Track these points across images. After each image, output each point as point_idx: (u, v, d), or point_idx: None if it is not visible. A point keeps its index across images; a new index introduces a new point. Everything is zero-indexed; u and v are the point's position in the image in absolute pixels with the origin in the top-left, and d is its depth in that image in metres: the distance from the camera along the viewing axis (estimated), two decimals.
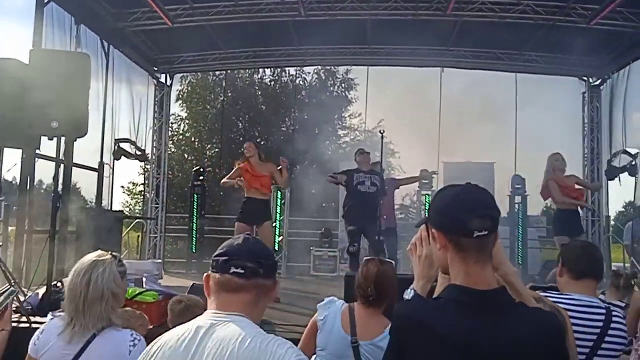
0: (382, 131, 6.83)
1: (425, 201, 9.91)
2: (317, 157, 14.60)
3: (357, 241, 6.66)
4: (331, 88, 16.85)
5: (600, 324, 2.27)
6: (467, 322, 1.34)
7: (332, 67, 15.56)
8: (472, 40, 9.45)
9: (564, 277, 2.44)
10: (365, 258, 2.80)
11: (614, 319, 2.32)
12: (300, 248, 10.57)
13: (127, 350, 2.05)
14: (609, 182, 9.69)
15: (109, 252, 2.23)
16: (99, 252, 2.22)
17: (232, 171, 6.79)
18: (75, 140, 5.24)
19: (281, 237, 10.11)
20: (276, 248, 9.94)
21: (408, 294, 1.65)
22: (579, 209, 6.83)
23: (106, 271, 2.13)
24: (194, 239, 10.10)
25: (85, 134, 4.86)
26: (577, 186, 6.79)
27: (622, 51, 8.95)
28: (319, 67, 15.20)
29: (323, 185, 12.96)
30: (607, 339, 2.26)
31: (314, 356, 2.67)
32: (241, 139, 15.72)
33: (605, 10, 7.57)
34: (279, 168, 6.67)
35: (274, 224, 9.84)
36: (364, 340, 2.51)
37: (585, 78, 10.40)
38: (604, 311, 2.34)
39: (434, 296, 1.55)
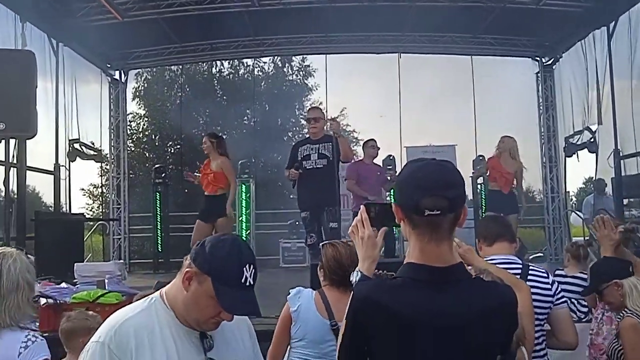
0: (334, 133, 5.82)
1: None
2: (281, 149, 14.55)
3: (315, 230, 5.72)
4: (290, 77, 16.76)
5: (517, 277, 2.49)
6: (423, 300, 1.36)
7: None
8: (427, 25, 9.51)
9: (482, 250, 2.73)
10: (321, 244, 2.82)
11: (530, 271, 2.62)
12: (268, 241, 10.52)
13: (17, 352, 1.96)
14: (567, 159, 9.99)
15: (13, 247, 2.20)
16: (3, 247, 2.16)
17: None
18: (25, 141, 5.05)
19: (249, 231, 10.02)
20: None
21: (355, 277, 1.64)
22: (513, 190, 7.22)
23: (17, 261, 2.06)
24: (159, 238, 9.93)
25: (35, 134, 4.69)
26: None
27: (571, 31, 9.17)
28: (276, 56, 15.05)
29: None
30: None
31: (288, 349, 2.66)
32: (202, 134, 15.48)
33: None
34: None
35: (240, 218, 9.79)
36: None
37: (537, 58, 10.65)
38: (520, 266, 2.63)
39: None
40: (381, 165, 8.19)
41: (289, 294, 2.69)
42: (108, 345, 1.49)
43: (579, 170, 10.51)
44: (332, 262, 2.62)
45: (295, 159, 5.81)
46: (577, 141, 9.35)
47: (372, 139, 7.56)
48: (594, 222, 3.06)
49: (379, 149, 7.53)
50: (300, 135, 15.97)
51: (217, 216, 6.48)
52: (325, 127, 5.87)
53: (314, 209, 5.70)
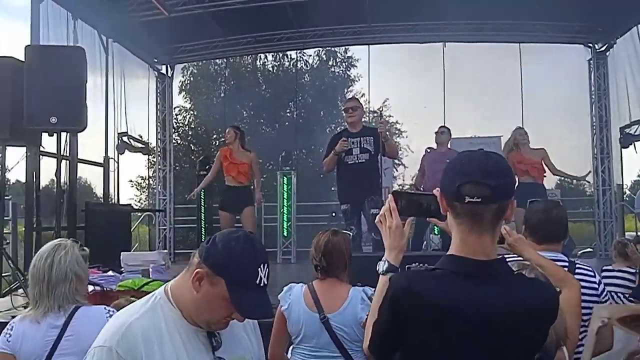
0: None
1: None
2: (323, 141, 14.55)
3: (354, 222, 5.60)
4: (332, 69, 16.72)
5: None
6: (462, 292, 1.35)
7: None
8: (473, 13, 9.24)
9: (528, 240, 2.53)
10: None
11: (577, 270, 2.47)
12: (309, 233, 10.56)
13: (105, 320, 2.04)
14: (623, 150, 9.56)
15: (69, 239, 2.32)
16: (61, 238, 2.28)
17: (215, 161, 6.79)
18: (76, 135, 5.24)
19: (290, 223, 10.08)
20: (285, 234, 9.95)
21: (382, 266, 1.61)
22: (537, 182, 6.83)
23: (68, 254, 2.17)
24: (203, 229, 10.13)
25: (85, 128, 4.87)
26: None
27: (626, 15, 8.71)
28: (320, 48, 15.03)
29: None
30: None
31: (290, 348, 2.66)
32: (246, 127, 15.70)
33: None
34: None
35: (283, 208, 9.89)
36: (331, 313, 2.51)
37: (590, 44, 10.19)
38: (567, 264, 2.48)
39: None
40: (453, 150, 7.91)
41: (281, 291, 2.66)
42: (116, 350, 1.41)
43: (635, 162, 10.04)
44: (319, 252, 2.56)
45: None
46: (635, 131, 8.93)
47: (443, 125, 7.28)
48: None
49: (449, 133, 7.09)
50: (342, 128, 15.95)
51: (245, 206, 6.64)
52: (364, 119, 5.75)
53: (355, 202, 5.58)
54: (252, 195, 7.19)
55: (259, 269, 1.46)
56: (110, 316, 2.06)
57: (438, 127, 7.37)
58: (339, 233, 2.68)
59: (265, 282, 1.49)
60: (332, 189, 14.30)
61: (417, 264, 3.68)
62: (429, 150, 7.27)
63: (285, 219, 10.01)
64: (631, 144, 9.05)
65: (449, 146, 7.12)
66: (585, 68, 10.31)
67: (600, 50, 10.09)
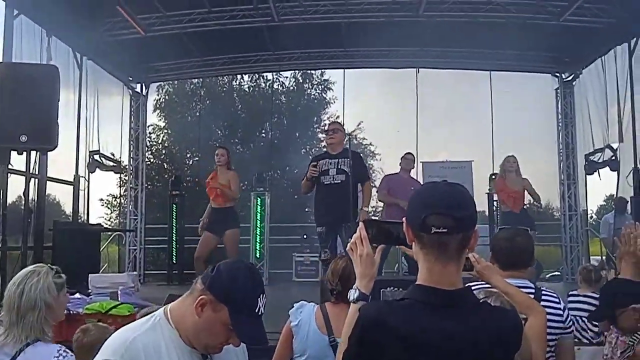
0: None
1: None
2: (298, 162, 14.59)
3: (330, 246, 5.63)
4: (308, 91, 16.87)
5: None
6: (429, 323, 1.38)
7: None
8: (446, 40, 9.53)
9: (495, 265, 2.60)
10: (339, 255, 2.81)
11: (543, 297, 2.52)
12: (282, 254, 10.53)
13: None
14: (588, 176, 9.83)
15: (47, 265, 2.26)
16: (38, 264, 2.25)
17: None
18: (46, 153, 5.16)
19: (263, 244, 10.03)
20: (257, 256, 9.89)
21: (353, 294, 1.64)
22: (525, 208, 7.29)
23: (40, 281, 2.15)
24: (174, 249, 10.00)
25: (55, 147, 4.79)
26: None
27: (591, 47, 9.09)
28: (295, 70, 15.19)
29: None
30: None
31: None
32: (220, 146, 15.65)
33: (572, 7, 7.69)
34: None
35: (256, 229, 9.84)
36: (341, 337, 2.51)
37: (557, 74, 10.56)
38: (533, 291, 2.53)
39: None
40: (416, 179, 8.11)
41: (292, 307, 2.70)
42: None
43: (600, 188, 10.34)
44: (337, 276, 2.61)
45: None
46: (598, 159, 9.22)
47: (409, 152, 7.54)
48: (620, 236, 2.94)
49: (413, 161, 7.51)
50: (317, 149, 16.03)
51: (227, 228, 6.63)
52: (344, 142, 5.79)
53: (330, 224, 5.63)
54: (236, 217, 7.19)
55: (259, 298, 1.61)
56: (62, 358, 2.08)
57: (404, 152, 7.59)
58: None
59: (263, 312, 1.63)
60: (307, 210, 14.37)
61: (391, 288, 3.72)
62: (391, 175, 7.58)
63: (258, 240, 9.95)
64: (595, 171, 9.33)
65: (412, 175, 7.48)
66: (552, 96, 10.68)
67: (567, 79, 10.47)
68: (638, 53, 8.06)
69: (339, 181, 5.55)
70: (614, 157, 8.74)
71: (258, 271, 1.72)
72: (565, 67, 10.39)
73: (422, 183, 7.82)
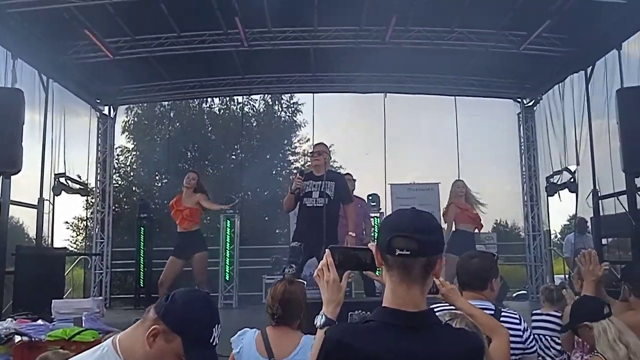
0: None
1: (374, 224, 10.06)
2: (268, 185, 14.61)
3: (298, 262, 5.44)
4: (278, 114, 16.98)
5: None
6: (393, 344, 1.42)
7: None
8: (412, 66, 9.80)
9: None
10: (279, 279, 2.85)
11: (502, 318, 2.57)
12: (252, 277, 10.47)
13: None
14: (549, 198, 10.15)
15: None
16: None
17: None
18: (9, 177, 5.09)
19: (232, 267, 9.97)
20: (227, 278, 9.82)
21: (320, 320, 1.66)
22: (475, 230, 7.27)
23: None
24: (142, 272, 9.85)
25: (19, 171, 4.75)
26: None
27: (550, 74, 9.47)
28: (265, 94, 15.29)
29: (275, 212, 12.96)
30: None
31: None
32: (190, 168, 15.53)
33: (531, 36, 8.02)
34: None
35: (225, 252, 9.78)
36: (281, 359, 2.56)
37: (519, 99, 10.94)
38: (493, 312, 2.57)
39: None
40: (365, 199, 8.21)
41: (235, 334, 2.71)
42: None
43: (562, 208, 10.68)
44: (277, 300, 2.65)
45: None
46: (558, 181, 9.53)
47: (348, 173, 7.52)
48: (580, 256, 3.05)
49: (354, 181, 7.32)
50: (287, 172, 16.10)
51: (194, 252, 6.60)
52: (328, 163, 5.79)
53: (307, 244, 5.48)
54: (203, 239, 7.21)
55: (214, 329, 1.58)
56: None
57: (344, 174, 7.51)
58: (295, 282, 2.77)
59: (217, 342, 1.59)
60: (277, 231, 14.33)
61: (359, 311, 3.78)
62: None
63: (227, 262, 9.89)
64: (556, 193, 9.64)
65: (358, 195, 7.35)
66: (515, 121, 11.06)
67: (528, 105, 10.87)
68: (594, 80, 8.43)
69: (321, 204, 5.49)
70: (572, 179, 9.06)
71: (213, 301, 1.69)
72: (526, 93, 10.79)
73: (365, 202, 7.92)
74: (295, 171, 7.10)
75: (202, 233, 7.26)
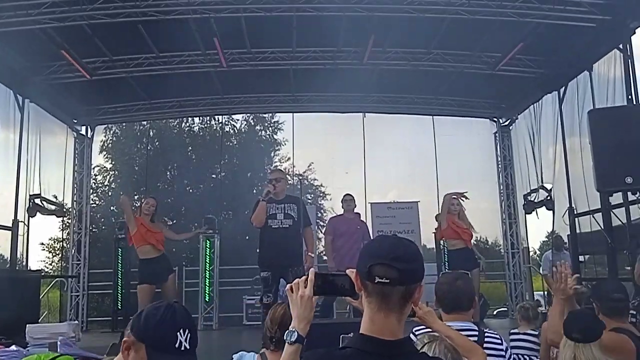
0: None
1: None
2: (249, 203, 14.51)
3: (273, 290, 5.61)
4: (259, 133, 17.00)
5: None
6: None
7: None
8: (390, 87, 9.96)
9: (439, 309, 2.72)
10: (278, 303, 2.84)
11: (486, 339, 2.60)
12: (232, 297, 10.35)
13: None
14: (527, 215, 10.29)
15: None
16: None
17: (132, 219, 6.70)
18: None
19: (212, 288, 9.86)
20: (207, 299, 9.71)
21: (290, 336, 1.65)
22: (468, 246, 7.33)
23: None
24: (119, 294, 9.68)
25: None
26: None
27: (525, 94, 9.69)
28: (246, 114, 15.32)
29: (256, 232, 12.81)
30: None
31: None
32: (169, 188, 15.41)
33: (505, 58, 8.22)
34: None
35: (205, 272, 9.69)
36: None
37: (495, 119, 11.16)
38: (476, 333, 2.60)
39: None
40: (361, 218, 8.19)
41: (232, 359, 2.69)
42: None
43: (540, 225, 10.83)
44: (276, 324, 2.63)
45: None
46: (535, 199, 9.68)
47: (348, 194, 7.61)
48: (553, 272, 3.07)
49: (353, 200, 7.50)
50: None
51: (168, 274, 6.65)
52: (286, 187, 6.02)
53: (276, 268, 5.65)
54: (171, 261, 7.30)
55: (179, 333, 1.58)
56: None
57: (344, 194, 7.67)
58: None
59: (187, 347, 1.59)
60: (258, 250, 14.16)
61: (352, 333, 3.76)
62: (336, 216, 7.73)
63: (207, 283, 9.78)
64: (533, 210, 9.78)
65: (356, 211, 7.55)
66: (492, 140, 11.26)
67: (504, 124, 11.09)
68: (567, 100, 8.64)
69: (287, 225, 5.69)
70: (549, 197, 9.21)
71: (182, 307, 1.70)
72: (502, 112, 11.01)
73: (365, 222, 8.01)
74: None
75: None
